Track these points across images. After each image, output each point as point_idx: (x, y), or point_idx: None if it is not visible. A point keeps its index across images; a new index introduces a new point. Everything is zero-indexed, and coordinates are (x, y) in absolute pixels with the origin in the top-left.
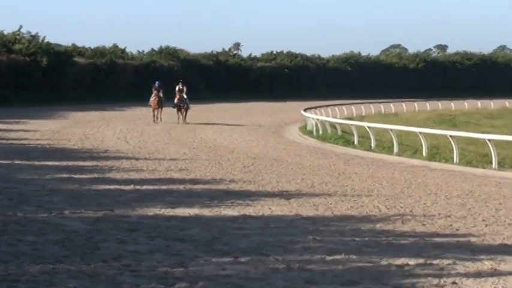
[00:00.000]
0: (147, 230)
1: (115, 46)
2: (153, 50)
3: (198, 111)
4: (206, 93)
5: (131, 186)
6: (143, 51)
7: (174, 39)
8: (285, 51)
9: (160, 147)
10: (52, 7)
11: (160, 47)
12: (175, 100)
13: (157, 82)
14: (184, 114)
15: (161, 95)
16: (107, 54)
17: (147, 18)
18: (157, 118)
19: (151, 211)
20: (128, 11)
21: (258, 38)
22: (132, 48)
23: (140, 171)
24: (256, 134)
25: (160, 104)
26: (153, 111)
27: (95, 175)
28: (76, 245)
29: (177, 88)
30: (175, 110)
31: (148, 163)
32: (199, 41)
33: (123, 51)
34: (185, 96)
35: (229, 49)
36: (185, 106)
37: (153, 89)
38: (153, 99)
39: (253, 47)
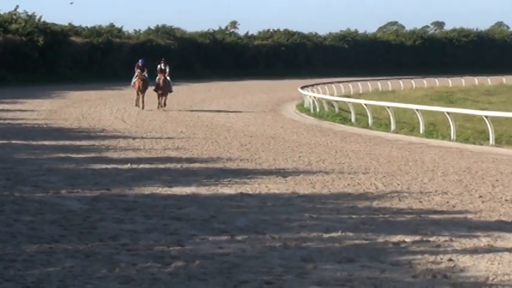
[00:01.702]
0: (143, 209)
1: (111, 25)
2: (149, 28)
3: (195, 90)
4: (203, 72)
5: (128, 165)
6: (140, 30)
7: (170, 17)
8: (281, 29)
9: (158, 126)
10: None
11: (157, 25)
12: (158, 81)
13: (140, 60)
14: (164, 99)
15: (146, 75)
16: (104, 34)
17: None
18: (141, 103)
19: (148, 190)
20: None
21: (255, 16)
22: (128, 27)
23: (137, 150)
24: (253, 112)
25: (145, 87)
26: (137, 93)
27: (92, 154)
28: (73, 224)
29: (158, 67)
30: (156, 93)
31: (145, 142)
32: (196, 20)
33: (119, 30)
34: (168, 78)
35: (226, 27)
36: (168, 89)
37: (136, 68)
38: (136, 80)
39: (250, 25)
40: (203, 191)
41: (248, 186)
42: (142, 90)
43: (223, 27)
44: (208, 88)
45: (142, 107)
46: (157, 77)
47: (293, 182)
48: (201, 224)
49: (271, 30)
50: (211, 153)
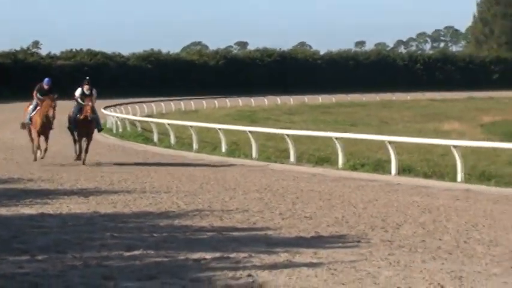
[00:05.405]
0: None
1: None
2: None
3: None
4: (5, 93)
5: None
6: None
7: None
8: (84, 49)
9: None
10: None
11: None
12: (80, 115)
13: (46, 80)
14: (88, 140)
15: (55, 105)
16: None
17: None
18: (44, 149)
19: None
20: None
21: (59, 37)
22: None
23: None
24: (54, 133)
25: (50, 125)
26: (37, 137)
27: None
28: None
29: (78, 92)
30: (75, 133)
31: None
32: None
33: None
34: (96, 110)
35: (28, 47)
36: (96, 125)
37: (36, 93)
38: (36, 114)
39: (53, 46)
40: (3, 211)
41: (49, 206)
42: (48, 128)
43: (25, 47)
44: (11, 109)
45: (43, 157)
46: (75, 107)
47: (95, 201)
48: (1, 245)
49: (74, 50)
50: (11, 174)
